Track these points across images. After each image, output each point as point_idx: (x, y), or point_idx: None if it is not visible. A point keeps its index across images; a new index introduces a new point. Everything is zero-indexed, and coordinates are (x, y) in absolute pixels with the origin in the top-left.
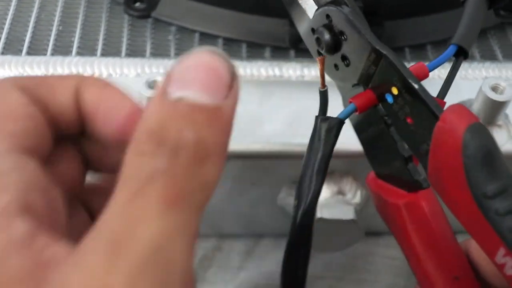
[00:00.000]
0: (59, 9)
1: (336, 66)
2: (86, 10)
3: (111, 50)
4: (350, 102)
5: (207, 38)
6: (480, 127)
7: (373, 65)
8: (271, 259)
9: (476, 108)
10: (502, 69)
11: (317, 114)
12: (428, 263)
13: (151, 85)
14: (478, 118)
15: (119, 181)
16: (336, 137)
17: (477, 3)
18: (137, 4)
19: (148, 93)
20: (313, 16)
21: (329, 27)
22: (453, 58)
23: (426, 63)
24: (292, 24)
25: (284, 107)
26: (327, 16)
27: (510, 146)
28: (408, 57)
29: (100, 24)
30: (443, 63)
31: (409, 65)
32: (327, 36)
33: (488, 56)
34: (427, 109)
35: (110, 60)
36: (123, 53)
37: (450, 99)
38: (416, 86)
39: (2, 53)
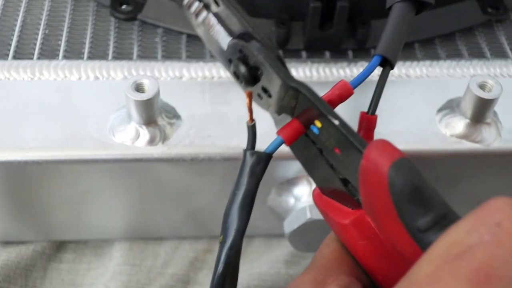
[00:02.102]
0: (45, 12)
1: (259, 95)
2: (72, 13)
3: (97, 53)
4: (278, 134)
5: (194, 40)
6: (404, 162)
7: (292, 99)
8: (263, 260)
9: (464, 106)
10: (490, 67)
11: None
12: (385, 275)
13: (137, 87)
14: (402, 152)
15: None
16: (263, 171)
17: (401, 11)
18: (123, 7)
19: (135, 96)
20: (227, 47)
21: (244, 60)
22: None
23: (349, 81)
24: (278, 25)
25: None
26: (240, 50)
27: (499, 144)
28: None
29: (87, 27)
30: (367, 76)
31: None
32: (243, 70)
33: (476, 54)
34: (351, 144)
35: (96, 63)
36: (110, 56)
37: (438, 98)
38: (336, 122)
39: None
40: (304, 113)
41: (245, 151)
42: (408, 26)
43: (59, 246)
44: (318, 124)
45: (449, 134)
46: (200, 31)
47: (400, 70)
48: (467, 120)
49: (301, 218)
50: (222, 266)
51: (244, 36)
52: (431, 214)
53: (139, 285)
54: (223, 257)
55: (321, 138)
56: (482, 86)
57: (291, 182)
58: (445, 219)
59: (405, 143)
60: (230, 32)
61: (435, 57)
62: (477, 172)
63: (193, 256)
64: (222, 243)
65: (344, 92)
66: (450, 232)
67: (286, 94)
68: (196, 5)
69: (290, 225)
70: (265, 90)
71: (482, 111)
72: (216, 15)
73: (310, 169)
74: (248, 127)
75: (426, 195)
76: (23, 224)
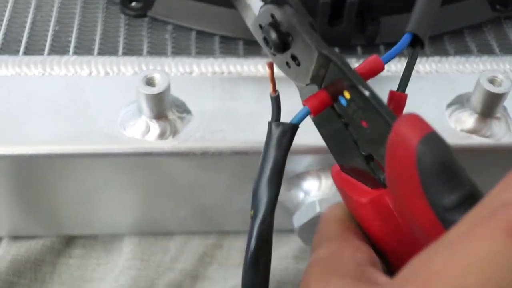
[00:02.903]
0: (55, 9)
1: (288, 64)
2: (82, 10)
3: (108, 49)
4: (304, 105)
5: (203, 37)
6: (434, 137)
7: (322, 67)
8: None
9: (474, 101)
10: (500, 63)
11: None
12: (398, 257)
13: (148, 81)
14: (432, 127)
15: None
16: (290, 143)
17: None
18: (133, 4)
19: (146, 89)
20: (259, 13)
21: (275, 26)
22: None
23: (381, 56)
24: None
25: (282, 103)
26: (272, 15)
27: (509, 138)
28: (405, 51)
29: (97, 23)
30: (398, 53)
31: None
32: (273, 35)
33: (485, 50)
34: (380, 117)
35: (107, 58)
36: (120, 52)
37: (447, 93)
38: (366, 93)
39: (0, 53)
40: (333, 84)
41: (270, 123)
42: (438, 8)
43: (69, 241)
44: (347, 95)
45: (459, 129)
46: None
47: None
48: (477, 115)
49: (311, 212)
50: (255, 241)
51: (277, 1)
52: (458, 193)
53: (148, 279)
54: (255, 232)
55: (349, 111)
56: (492, 81)
57: (300, 177)
58: (472, 199)
59: None
60: None
61: (444, 53)
62: (486, 167)
63: (202, 251)
64: (253, 218)
65: (375, 67)
66: (481, 200)
67: (317, 62)
68: None
69: (299, 219)
70: (294, 58)
71: (492, 105)
72: None
73: (333, 144)
74: (272, 98)
75: (454, 173)
76: (32, 219)
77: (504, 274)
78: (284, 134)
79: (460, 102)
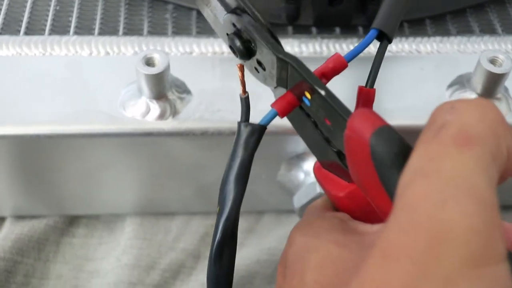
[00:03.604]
0: None
1: (256, 69)
2: None
3: (108, 29)
4: (272, 107)
5: (204, 16)
6: (385, 130)
7: (283, 70)
8: (272, 236)
9: (474, 81)
10: (501, 43)
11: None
12: None
13: (148, 62)
14: (384, 120)
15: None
16: (257, 143)
17: None
18: None
19: (145, 70)
20: (223, 22)
21: (238, 34)
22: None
23: (344, 55)
24: (288, 1)
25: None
26: (233, 24)
27: (510, 119)
28: (406, 31)
29: (97, 3)
30: (362, 50)
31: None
32: (238, 43)
33: (487, 30)
34: (337, 114)
35: (107, 39)
36: (121, 32)
37: (448, 73)
38: (322, 92)
39: (0, 34)
40: (297, 85)
41: (239, 123)
42: (406, 1)
43: (72, 221)
44: (308, 95)
45: None
46: (201, 8)
47: (410, 45)
48: (477, 96)
49: (311, 192)
50: (219, 235)
51: (236, 10)
52: None
53: (150, 259)
54: (221, 227)
55: (313, 110)
56: (492, 61)
57: (300, 157)
58: None
59: (415, 118)
60: (225, 6)
61: (446, 33)
62: None
63: (203, 231)
64: (219, 214)
65: (338, 65)
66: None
67: (276, 66)
68: None
69: (299, 199)
70: (259, 63)
71: (492, 86)
72: None
73: (308, 142)
74: (241, 99)
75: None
76: (35, 198)
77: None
78: (252, 135)
79: (460, 82)
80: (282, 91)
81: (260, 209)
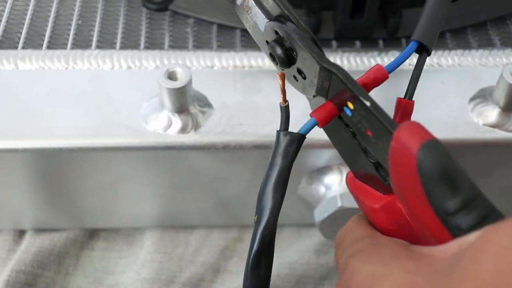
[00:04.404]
0: (77, 3)
1: (295, 77)
2: (104, 4)
3: (130, 43)
4: (311, 116)
5: (224, 30)
6: (433, 144)
7: (325, 80)
8: (293, 249)
9: (497, 95)
10: None
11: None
12: None
13: (170, 76)
14: (432, 134)
15: None
16: (296, 152)
17: None
18: None
19: (168, 84)
20: (264, 29)
21: (279, 42)
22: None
23: (385, 65)
24: (309, 14)
25: (302, 97)
26: (276, 31)
27: None
28: None
29: (119, 17)
30: (403, 61)
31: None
32: (278, 51)
33: (509, 43)
34: (382, 126)
35: (129, 52)
36: (142, 46)
37: (470, 87)
38: (368, 103)
39: (23, 48)
40: (338, 95)
41: (278, 132)
42: (445, 12)
43: (92, 234)
44: (350, 105)
45: (482, 123)
46: (239, 13)
47: (431, 59)
48: (500, 109)
49: (332, 206)
50: (257, 245)
51: (280, 18)
52: (459, 197)
53: (170, 272)
54: (258, 237)
55: (354, 120)
56: None
57: (321, 171)
58: (473, 202)
59: (437, 132)
60: (267, 14)
61: (467, 46)
62: (510, 161)
63: (223, 245)
64: (257, 223)
65: (379, 76)
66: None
67: (319, 75)
68: None
69: (320, 213)
70: (300, 72)
71: None
72: None
73: (344, 152)
74: (281, 108)
75: (455, 178)
76: (56, 211)
77: None
78: (291, 144)
79: (483, 96)
80: (320, 100)
81: (280, 222)
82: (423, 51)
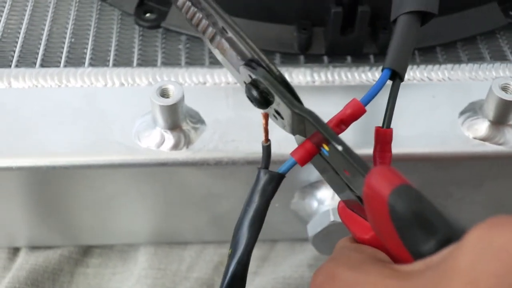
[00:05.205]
0: (70, 21)
1: (275, 116)
2: (97, 22)
3: (122, 61)
4: (291, 156)
5: None
6: (404, 189)
7: (300, 123)
8: (287, 264)
9: (486, 108)
10: None
11: (326, 121)
12: None
13: (162, 93)
14: (403, 178)
15: None
16: (274, 191)
17: (407, 23)
18: (147, 15)
19: (160, 101)
20: (240, 72)
21: (255, 84)
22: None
23: (361, 93)
24: (300, 30)
25: None
26: (249, 75)
27: None
28: (418, 59)
29: (111, 35)
30: (378, 92)
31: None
32: (255, 94)
33: (498, 57)
34: (356, 170)
35: (122, 70)
36: (135, 63)
37: (460, 101)
38: (339, 148)
39: (17, 66)
40: (315, 135)
41: (259, 169)
42: (415, 37)
43: (86, 251)
44: (326, 147)
45: (472, 136)
46: (216, 54)
47: (422, 73)
48: (490, 122)
49: (324, 221)
50: (229, 278)
51: (251, 63)
52: (434, 239)
53: None
54: (231, 270)
55: (332, 160)
56: (504, 88)
57: (314, 186)
58: (449, 243)
59: (428, 145)
60: (242, 55)
61: (457, 60)
62: (500, 174)
63: (217, 260)
64: (231, 257)
65: (356, 111)
66: None
67: (292, 118)
68: (209, 30)
69: (313, 228)
70: (277, 112)
71: (504, 113)
72: (228, 39)
73: (331, 184)
74: (263, 146)
75: (428, 220)
76: (50, 229)
77: None
78: (270, 182)
79: (473, 109)
80: (301, 137)
81: (274, 237)
82: (396, 77)
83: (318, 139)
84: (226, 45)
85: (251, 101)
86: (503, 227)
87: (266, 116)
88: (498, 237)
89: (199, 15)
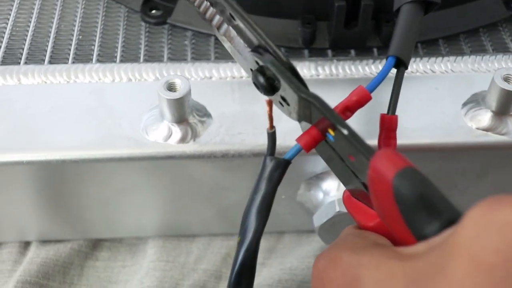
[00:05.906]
0: (78, 19)
1: (281, 103)
2: (104, 19)
3: (129, 57)
4: (297, 142)
5: None
6: (408, 171)
7: (306, 108)
8: (293, 255)
9: (489, 99)
10: None
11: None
12: None
13: (169, 87)
14: (407, 161)
15: None
16: (281, 177)
17: (410, 11)
18: (153, 12)
19: (167, 95)
20: (247, 59)
21: (262, 71)
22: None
23: (365, 85)
24: (304, 25)
25: None
26: (256, 61)
27: None
28: (421, 52)
29: (118, 32)
30: (383, 79)
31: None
32: (261, 80)
33: (500, 49)
34: (360, 153)
35: (129, 65)
36: (142, 59)
37: (463, 92)
38: (345, 132)
39: (26, 63)
40: (321, 121)
41: (265, 156)
42: (419, 26)
43: (95, 244)
44: (331, 132)
45: (475, 127)
46: (223, 42)
47: (425, 66)
48: (492, 113)
49: (330, 211)
50: (239, 266)
51: (258, 49)
52: (438, 221)
53: (173, 280)
54: (240, 258)
55: (337, 145)
56: (506, 79)
57: (319, 177)
58: (451, 225)
59: (431, 137)
60: (249, 43)
61: (459, 52)
62: (503, 164)
63: (225, 252)
64: (240, 244)
65: (361, 98)
66: None
67: (298, 104)
68: (217, 18)
69: (319, 219)
70: (283, 99)
71: (507, 103)
72: (235, 27)
73: (336, 172)
74: (268, 133)
75: (432, 203)
76: (60, 223)
77: None
78: (276, 169)
79: (475, 100)
80: (307, 124)
81: (280, 229)
82: (401, 65)
83: (324, 125)
84: (233, 32)
85: (258, 87)
86: (504, 204)
87: (270, 103)
88: (499, 213)
89: (206, 3)
